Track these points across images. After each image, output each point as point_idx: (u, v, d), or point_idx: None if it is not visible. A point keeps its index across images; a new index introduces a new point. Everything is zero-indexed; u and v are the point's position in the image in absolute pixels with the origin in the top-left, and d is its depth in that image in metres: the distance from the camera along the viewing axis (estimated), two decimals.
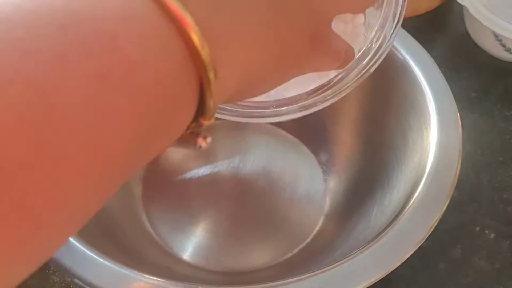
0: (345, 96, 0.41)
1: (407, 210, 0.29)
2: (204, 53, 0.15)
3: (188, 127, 0.17)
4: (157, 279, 0.25)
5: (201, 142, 0.18)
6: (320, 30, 0.22)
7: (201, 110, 0.17)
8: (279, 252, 0.37)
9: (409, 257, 0.28)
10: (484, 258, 0.38)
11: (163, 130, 0.16)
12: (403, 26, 0.38)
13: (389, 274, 0.27)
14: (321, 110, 0.42)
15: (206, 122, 0.17)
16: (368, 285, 0.27)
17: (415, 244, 0.28)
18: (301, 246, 0.37)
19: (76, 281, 0.26)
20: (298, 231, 0.38)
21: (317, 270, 0.27)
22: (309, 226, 0.38)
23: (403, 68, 0.37)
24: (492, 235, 0.39)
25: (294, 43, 0.20)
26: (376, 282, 0.27)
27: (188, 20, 0.15)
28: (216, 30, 0.16)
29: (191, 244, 0.37)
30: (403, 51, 0.37)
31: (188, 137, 0.18)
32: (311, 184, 0.41)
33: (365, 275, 0.27)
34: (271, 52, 0.20)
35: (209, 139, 0.19)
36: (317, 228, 0.38)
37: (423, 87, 0.35)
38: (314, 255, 0.37)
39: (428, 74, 0.36)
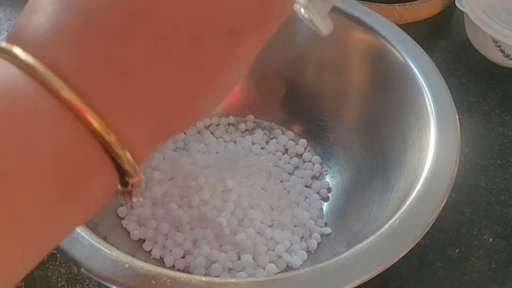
0: (347, 97, 0.42)
1: (405, 207, 0.29)
2: (107, 135, 0.16)
3: (124, 186, 0.18)
4: (165, 270, 0.25)
5: (129, 200, 0.19)
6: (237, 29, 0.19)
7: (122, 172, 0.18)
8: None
9: (407, 256, 0.28)
10: (481, 258, 0.39)
11: (79, 193, 0.17)
12: (405, 31, 0.39)
13: (387, 271, 0.28)
14: (324, 110, 0.43)
15: (133, 180, 0.18)
16: (366, 280, 0.27)
17: (413, 241, 0.28)
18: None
19: (83, 271, 0.27)
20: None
21: (315, 265, 0.28)
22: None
23: (404, 71, 0.37)
24: (489, 236, 0.40)
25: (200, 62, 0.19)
26: (375, 279, 0.27)
27: (85, 108, 0.16)
28: (108, 97, 0.17)
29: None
30: (404, 54, 0.38)
31: (123, 195, 0.19)
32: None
33: (362, 270, 0.27)
34: (180, 88, 0.18)
35: (135, 199, 0.19)
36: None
37: (423, 90, 0.36)
38: (314, 252, 0.38)
39: (428, 78, 0.37)
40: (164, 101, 0.18)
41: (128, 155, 0.17)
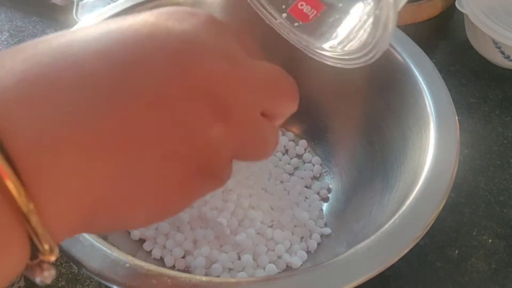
0: (347, 98, 0.42)
1: (405, 208, 0.29)
2: (24, 205, 0.15)
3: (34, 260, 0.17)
4: (166, 270, 0.25)
5: (39, 275, 0.17)
6: (208, 165, 0.19)
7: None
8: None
9: (407, 256, 0.28)
10: (480, 258, 0.39)
11: None
12: (405, 32, 0.39)
13: (387, 271, 0.28)
14: (324, 111, 0.43)
15: (45, 258, 0.16)
16: (366, 280, 0.27)
17: (412, 241, 0.28)
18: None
19: (84, 271, 0.27)
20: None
21: (315, 265, 0.28)
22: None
23: (405, 72, 0.37)
24: (489, 236, 0.40)
25: (165, 180, 0.18)
26: (375, 279, 0.27)
27: (4, 168, 0.14)
28: (39, 170, 0.15)
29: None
30: (404, 56, 0.38)
31: (31, 270, 0.17)
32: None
33: (362, 270, 0.27)
34: (129, 184, 0.18)
35: (47, 273, 0.17)
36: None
37: (423, 91, 0.36)
38: (314, 253, 0.38)
39: (428, 79, 0.37)
40: (98, 199, 0.17)
41: (45, 232, 0.16)
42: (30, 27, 0.57)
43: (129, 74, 0.17)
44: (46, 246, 0.16)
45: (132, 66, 0.17)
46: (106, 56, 0.17)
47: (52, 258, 0.17)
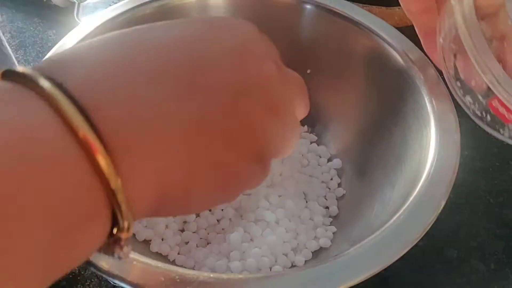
0: (347, 98, 0.43)
1: (405, 208, 0.30)
2: (113, 181, 0.16)
3: (110, 238, 0.17)
4: (176, 267, 0.26)
5: (119, 252, 0.18)
6: (263, 153, 0.21)
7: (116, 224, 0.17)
8: None
9: (406, 257, 0.28)
10: (479, 259, 0.39)
11: (73, 241, 0.16)
12: (405, 33, 0.40)
13: (386, 272, 0.28)
14: (324, 112, 0.44)
15: (123, 235, 0.17)
16: (365, 279, 0.27)
17: (412, 242, 0.29)
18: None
19: (92, 269, 0.27)
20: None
21: (318, 263, 0.28)
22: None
23: (404, 73, 0.38)
24: (488, 237, 0.40)
25: (229, 164, 0.20)
26: (375, 280, 0.28)
27: (96, 145, 0.15)
28: (128, 151, 0.16)
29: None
30: (404, 57, 0.38)
31: (109, 247, 0.18)
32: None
33: (364, 268, 0.27)
34: (197, 171, 0.19)
35: (126, 249, 0.18)
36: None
37: (423, 91, 0.36)
38: (317, 251, 0.38)
39: (428, 80, 0.37)
40: (177, 177, 0.18)
41: (128, 209, 0.16)
42: (31, 28, 0.57)
43: (199, 70, 0.19)
44: (126, 223, 0.17)
45: (200, 67, 0.19)
46: (180, 47, 0.19)
47: (128, 236, 0.17)
